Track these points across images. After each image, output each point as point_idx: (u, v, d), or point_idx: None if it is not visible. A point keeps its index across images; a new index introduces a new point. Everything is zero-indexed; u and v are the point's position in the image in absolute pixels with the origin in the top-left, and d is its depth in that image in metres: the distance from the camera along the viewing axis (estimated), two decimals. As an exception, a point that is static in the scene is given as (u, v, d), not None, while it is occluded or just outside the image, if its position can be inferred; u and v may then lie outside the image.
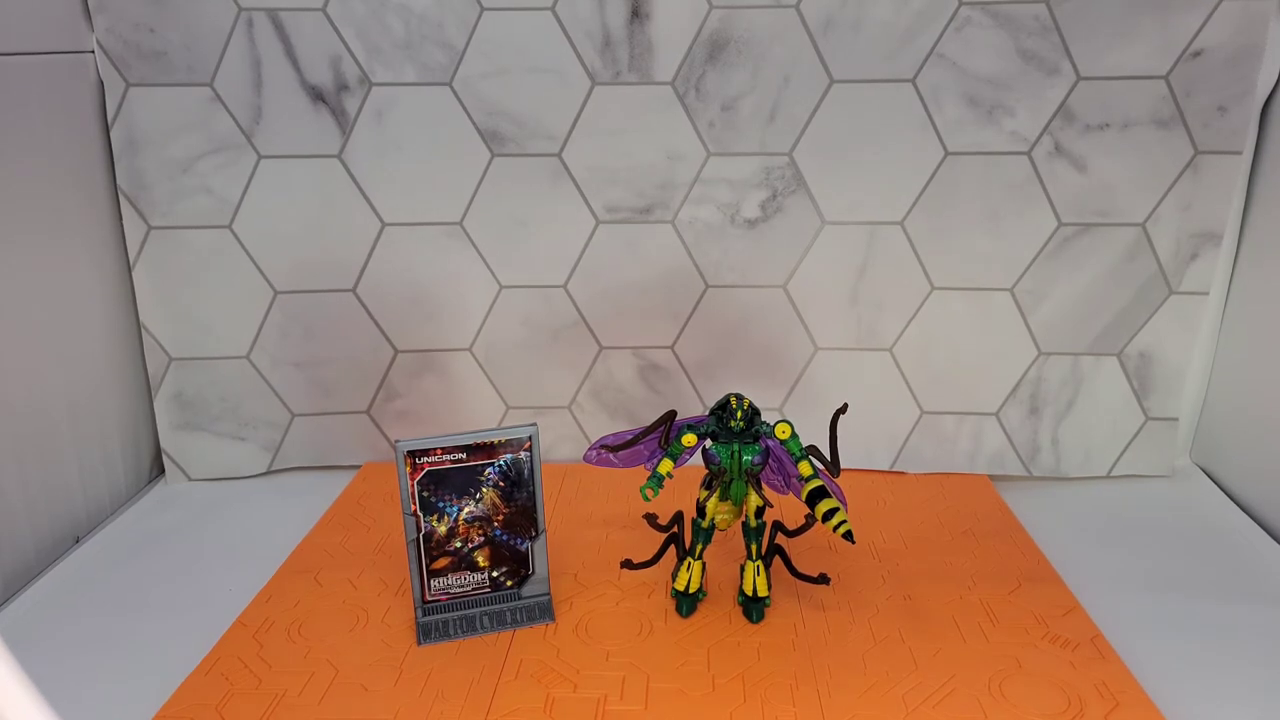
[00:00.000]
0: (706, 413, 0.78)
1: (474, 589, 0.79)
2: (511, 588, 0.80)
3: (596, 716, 0.68)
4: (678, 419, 0.79)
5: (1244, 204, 1.03)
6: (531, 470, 0.78)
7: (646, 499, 0.74)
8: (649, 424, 0.79)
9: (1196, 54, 0.94)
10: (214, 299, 1.05)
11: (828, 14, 0.95)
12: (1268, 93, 0.98)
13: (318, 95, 0.98)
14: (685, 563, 0.80)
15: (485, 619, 0.79)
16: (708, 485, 0.79)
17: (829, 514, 0.72)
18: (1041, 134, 0.98)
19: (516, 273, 1.05)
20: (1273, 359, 1.00)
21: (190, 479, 1.10)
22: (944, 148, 0.99)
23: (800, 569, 0.82)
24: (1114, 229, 1.00)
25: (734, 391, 0.78)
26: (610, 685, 0.72)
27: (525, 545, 0.80)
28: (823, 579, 0.81)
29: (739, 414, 0.75)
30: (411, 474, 0.75)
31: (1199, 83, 0.95)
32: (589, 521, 0.97)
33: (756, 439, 0.76)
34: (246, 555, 0.92)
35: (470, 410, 1.10)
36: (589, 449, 0.86)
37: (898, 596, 0.83)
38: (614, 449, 0.83)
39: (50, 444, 0.94)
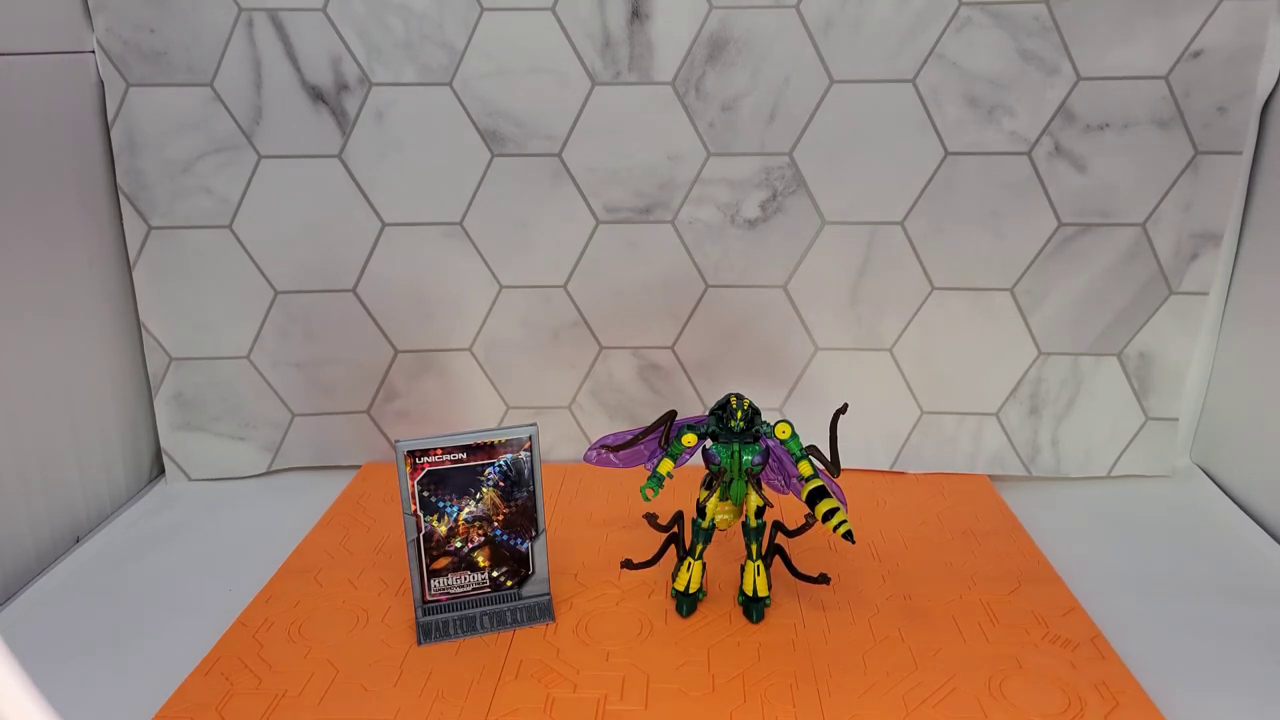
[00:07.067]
0: (706, 413, 0.78)
1: (474, 589, 0.79)
2: (511, 588, 0.80)
3: (596, 716, 0.68)
4: (678, 419, 0.79)
5: (1244, 204, 1.03)
6: (531, 470, 0.78)
7: (646, 499, 0.74)
8: (649, 424, 0.79)
9: (1196, 54, 0.94)
10: (214, 299, 1.05)
11: (828, 14, 0.95)
12: (1268, 93, 0.98)
13: (318, 95, 0.98)
14: (685, 563, 0.80)
15: (485, 619, 0.79)
16: (708, 485, 0.79)
17: (829, 514, 0.72)
18: (1041, 134, 0.98)
19: (516, 273, 1.05)
20: (1273, 359, 1.00)
21: (190, 479, 1.10)
22: (944, 148, 0.99)
23: (800, 569, 0.82)
24: (1114, 229, 1.00)
25: (734, 391, 0.78)
26: (610, 685, 0.72)
27: (525, 545, 0.80)
28: (823, 579, 0.81)
29: (739, 414, 0.75)
30: (411, 474, 0.75)
31: (1199, 83, 0.95)
32: (589, 521, 0.97)
33: (756, 439, 0.76)
34: (246, 555, 0.92)
35: (470, 410, 1.10)
36: (589, 449, 0.86)
37: (898, 596, 0.83)
38: (614, 449, 0.83)
39: (50, 444, 0.94)
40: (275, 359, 1.07)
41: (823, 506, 0.73)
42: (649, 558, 0.84)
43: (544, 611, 0.80)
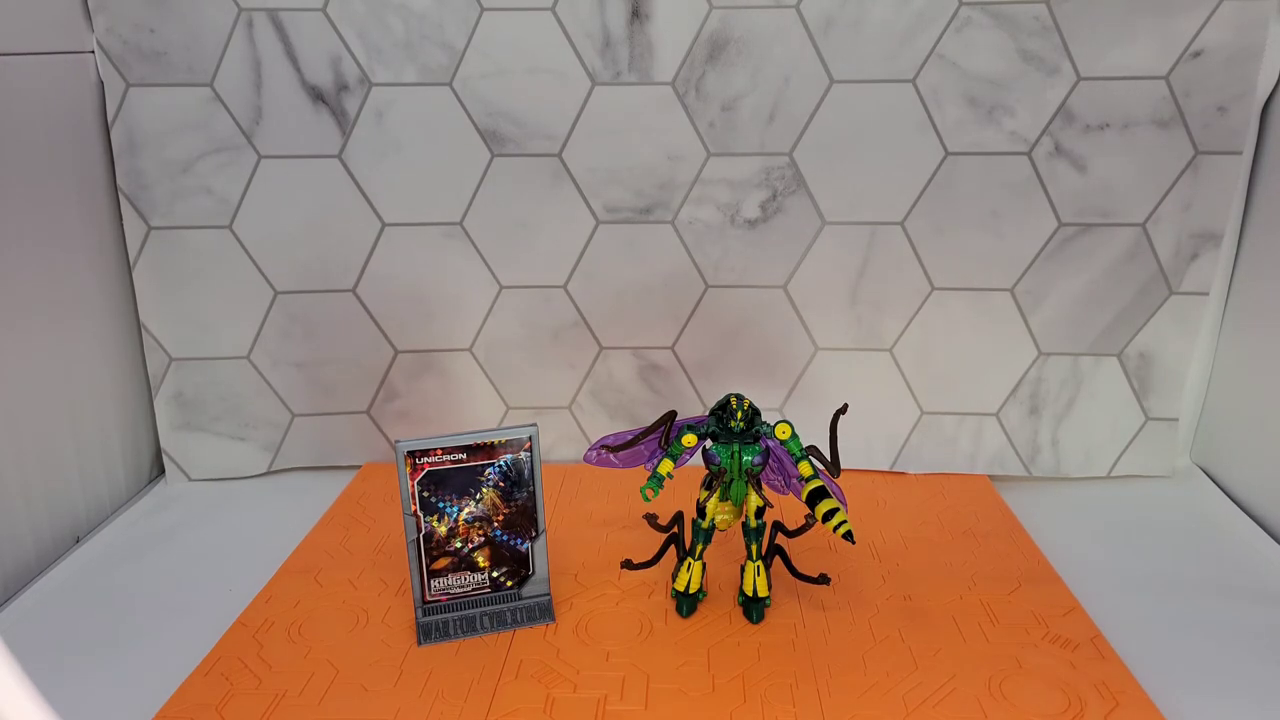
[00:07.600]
0: (706, 413, 0.78)
1: (474, 589, 0.79)
2: (511, 588, 0.80)
3: (596, 716, 0.68)
4: (678, 419, 0.79)
5: (1244, 204, 1.03)
6: (531, 470, 0.78)
7: (646, 499, 0.74)
8: (649, 424, 0.79)
9: (1196, 54, 0.94)
10: (214, 299, 1.05)
11: (828, 14, 0.95)
12: (1268, 93, 0.98)
13: (318, 95, 0.98)
14: (685, 563, 0.80)
15: (485, 619, 0.79)
16: (708, 485, 0.79)
17: (829, 514, 0.72)
18: (1041, 134, 0.98)
19: (516, 273, 1.05)
20: (1273, 359, 1.00)
21: (190, 479, 1.10)
22: (944, 148, 0.99)
23: (800, 569, 0.82)
24: (1114, 229, 1.00)
25: (734, 392, 0.78)
26: (610, 685, 0.72)
27: (525, 545, 0.80)
28: (823, 579, 0.81)
29: (739, 414, 0.75)
30: (411, 474, 0.75)
31: (1199, 83, 0.95)
32: (589, 521, 0.97)
33: (757, 439, 0.76)
34: (246, 555, 0.92)
35: (470, 410, 1.10)
36: (589, 449, 0.86)
37: (898, 596, 0.83)
38: (614, 449, 0.83)
39: (50, 444, 0.94)
40: (275, 359, 1.07)
41: (823, 507, 0.73)
42: (649, 558, 0.84)
43: (544, 612, 0.80)
